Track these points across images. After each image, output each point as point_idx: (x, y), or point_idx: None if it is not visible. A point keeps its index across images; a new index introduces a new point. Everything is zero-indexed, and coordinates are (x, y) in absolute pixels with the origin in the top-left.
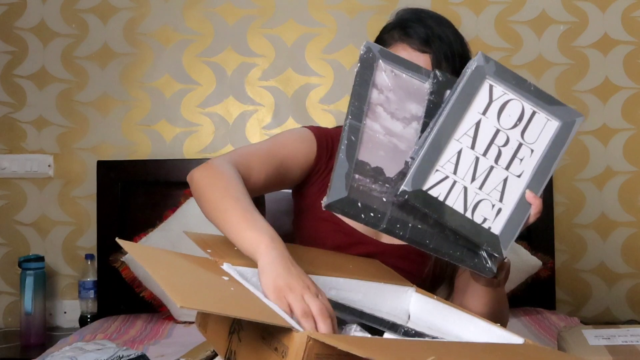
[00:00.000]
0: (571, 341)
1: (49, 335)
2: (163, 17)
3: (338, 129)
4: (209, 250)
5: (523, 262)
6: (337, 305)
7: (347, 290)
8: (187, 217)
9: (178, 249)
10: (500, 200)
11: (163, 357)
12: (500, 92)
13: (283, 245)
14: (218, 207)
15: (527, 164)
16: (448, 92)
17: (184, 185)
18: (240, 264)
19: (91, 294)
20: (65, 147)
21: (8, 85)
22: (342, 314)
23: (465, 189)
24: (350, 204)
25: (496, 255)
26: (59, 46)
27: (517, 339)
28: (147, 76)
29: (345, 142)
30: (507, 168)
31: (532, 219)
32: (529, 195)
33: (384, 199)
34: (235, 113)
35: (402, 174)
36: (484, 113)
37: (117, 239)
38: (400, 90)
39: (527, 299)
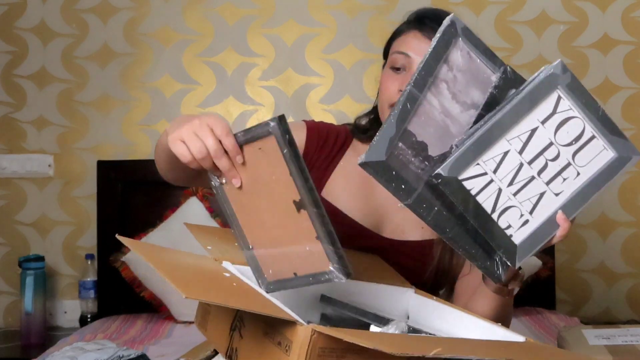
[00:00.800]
0: (571, 341)
1: (49, 335)
2: (163, 17)
3: (343, 126)
4: (209, 247)
5: (523, 261)
6: (337, 303)
7: (346, 290)
8: (187, 217)
9: (178, 248)
10: (531, 212)
11: (163, 357)
12: (567, 106)
13: None
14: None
15: (569, 186)
16: (513, 91)
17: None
18: (241, 262)
19: (91, 294)
20: (65, 147)
21: (8, 85)
22: (344, 311)
23: (500, 190)
24: (385, 169)
25: (508, 264)
26: (59, 46)
27: (518, 338)
28: (147, 76)
29: (400, 107)
30: (547, 183)
31: (555, 240)
32: (560, 217)
33: (419, 176)
34: (235, 113)
35: (444, 157)
36: (543, 122)
37: (117, 236)
38: (469, 73)
39: (527, 299)
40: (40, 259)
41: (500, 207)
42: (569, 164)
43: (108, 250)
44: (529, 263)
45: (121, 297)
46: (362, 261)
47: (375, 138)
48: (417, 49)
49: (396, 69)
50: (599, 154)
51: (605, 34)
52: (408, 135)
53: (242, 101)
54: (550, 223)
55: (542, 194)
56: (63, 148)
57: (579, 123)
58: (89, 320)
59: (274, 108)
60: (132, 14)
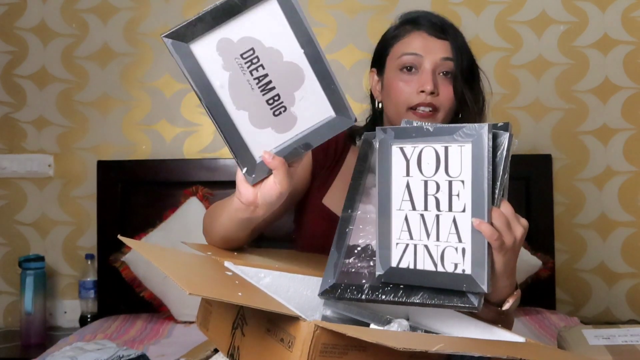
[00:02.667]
0: (571, 341)
1: (49, 335)
2: (163, 17)
3: None
4: (209, 253)
5: (523, 262)
6: (338, 304)
7: None
8: (187, 217)
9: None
10: (460, 240)
11: (163, 357)
12: (410, 148)
13: None
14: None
15: (465, 196)
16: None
17: (184, 185)
18: (242, 263)
19: (91, 293)
20: (65, 147)
21: (8, 85)
22: (345, 313)
23: (426, 247)
24: (336, 288)
25: (479, 292)
26: (59, 46)
27: (518, 339)
28: (147, 76)
29: (337, 235)
30: (450, 209)
31: (493, 244)
32: (475, 223)
33: (371, 271)
34: None
35: None
36: (407, 174)
37: (119, 236)
38: None
39: (527, 299)
40: (40, 259)
41: (437, 258)
42: (450, 182)
43: (108, 250)
44: (529, 263)
45: (121, 297)
46: None
47: (324, 272)
48: (426, 47)
49: (408, 69)
50: (462, 154)
51: (605, 34)
52: (351, 249)
53: None
54: (477, 236)
55: (454, 220)
56: (63, 148)
57: (429, 150)
58: (89, 320)
59: None
60: (132, 14)
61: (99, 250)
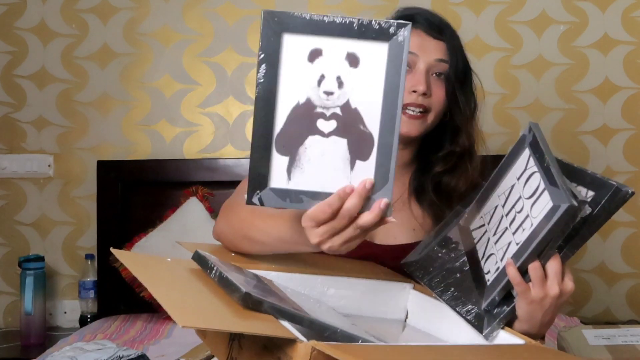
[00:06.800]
0: (571, 341)
1: (49, 335)
2: (163, 17)
3: None
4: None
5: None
6: (280, 311)
7: (345, 289)
8: (187, 217)
9: (178, 249)
10: (502, 260)
11: (163, 357)
12: (532, 163)
13: None
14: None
15: (523, 235)
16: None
17: (184, 185)
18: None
19: (91, 294)
20: (65, 147)
21: (8, 85)
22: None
23: (488, 239)
24: (413, 264)
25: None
26: (59, 46)
27: (517, 340)
28: (147, 76)
29: (442, 223)
30: (514, 234)
31: (517, 289)
32: (507, 262)
33: (442, 259)
34: (235, 113)
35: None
36: (518, 178)
37: (112, 249)
38: None
39: None
40: (40, 259)
41: (486, 254)
42: (527, 216)
43: (108, 250)
44: None
45: (121, 297)
46: (359, 264)
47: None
48: (421, 46)
49: None
50: (545, 204)
51: (605, 34)
52: (446, 240)
53: (242, 101)
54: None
55: (509, 244)
56: (63, 148)
57: (537, 177)
58: (88, 320)
59: None
60: (132, 14)
61: (98, 250)
